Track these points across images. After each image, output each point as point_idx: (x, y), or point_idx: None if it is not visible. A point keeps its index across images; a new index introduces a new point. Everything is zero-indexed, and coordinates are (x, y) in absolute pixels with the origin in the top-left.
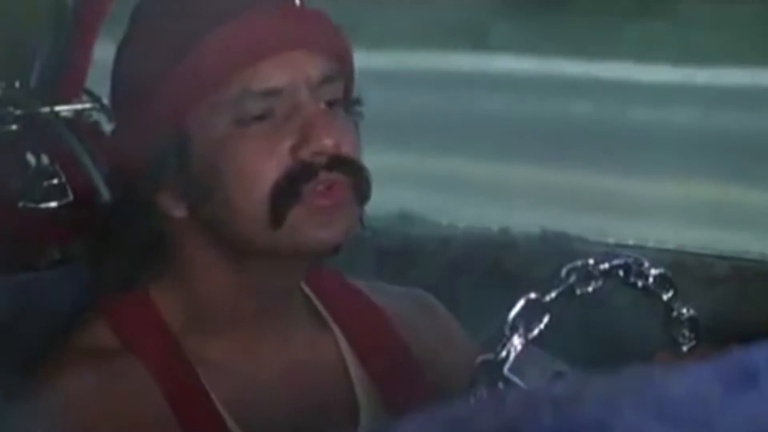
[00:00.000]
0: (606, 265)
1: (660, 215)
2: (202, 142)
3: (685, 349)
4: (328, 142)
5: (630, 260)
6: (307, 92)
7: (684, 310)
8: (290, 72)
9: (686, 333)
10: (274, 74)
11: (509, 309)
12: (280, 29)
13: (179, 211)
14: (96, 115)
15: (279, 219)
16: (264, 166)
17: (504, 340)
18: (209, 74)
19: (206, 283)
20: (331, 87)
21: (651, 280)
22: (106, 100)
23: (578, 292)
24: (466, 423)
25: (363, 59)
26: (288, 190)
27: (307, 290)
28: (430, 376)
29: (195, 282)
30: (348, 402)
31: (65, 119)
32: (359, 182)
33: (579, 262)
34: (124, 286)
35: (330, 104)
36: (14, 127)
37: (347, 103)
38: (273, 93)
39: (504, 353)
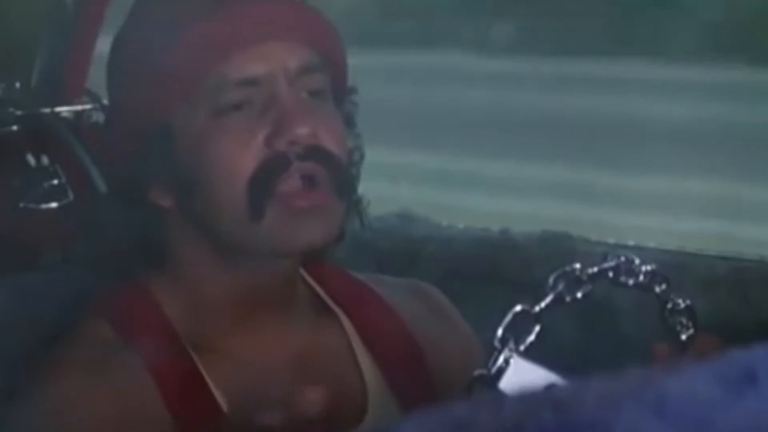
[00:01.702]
0: (594, 269)
1: (660, 210)
2: (183, 135)
3: (683, 337)
4: (302, 131)
5: (619, 261)
6: (285, 82)
7: (679, 301)
8: (268, 62)
9: (684, 321)
10: (251, 64)
11: (510, 310)
12: (259, 20)
13: (168, 205)
14: (96, 115)
15: (257, 213)
16: (239, 158)
17: (495, 355)
18: (189, 66)
19: (200, 275)
20: (314, 77)
21: (642, 277)
22: (106, 101)
23: (567, 299)
24: (466, 423)
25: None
26: (264, 183)
27: (310, 280)
28: (434, 362)
29: (190, 274)
30: (357, 387)
31: (65, 119)
32: (336, 174)
33: (567, 268)
34: (121, 280)
35: (313, 94)
36: (14, 127)
37: (339, 93)
38: (250, 83)
39: (496, 368)
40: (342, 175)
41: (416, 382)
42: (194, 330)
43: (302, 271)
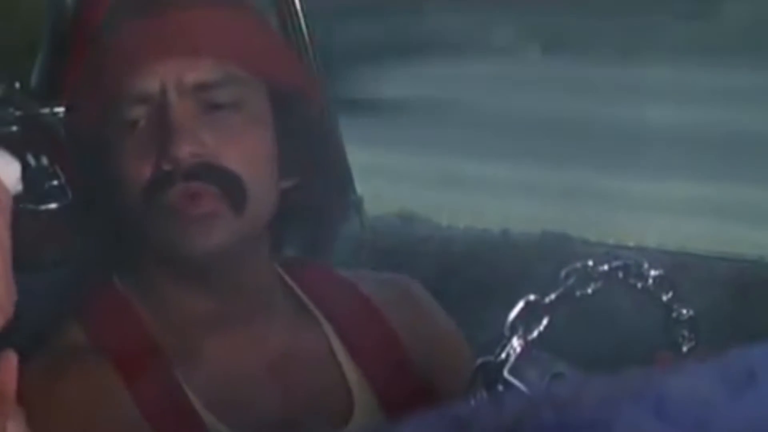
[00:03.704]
0: (605, 267)
1: (662, 214)
2: (100, 144)
3: (685, 349)
4: (183, 151)
5: (629, 262)
6: (177, 98)
7: (684, 311)
8: (162, 78)
9: (686, 333)
10: (145, 81)
11: (509, 310)
12: (165, 35)
13: None
14: None
15: (150, 227)
16: (133, 174)
17: (503, 342)
18: (104, 80)
19: (162, 278)
20: (220, 91)
21: (650, 281)
22: None
23: (578, 294)
24: (466, 424)
25: None
26: (152, 198)
27: (291, 283)
28: (417, 360)
29: (154, 278)
30: (340, 389)
31: (65, 120)
32: (228, 191)
33: (578, 264)
34: (103, 283)
35: (219, 108)
36: (14, 127)
37: (284, 103)
38: (143, 99)
39: (503, 355)
40: (236, 189)
41: (399, 381)
42: (170, 334)
43: (283, 273)
